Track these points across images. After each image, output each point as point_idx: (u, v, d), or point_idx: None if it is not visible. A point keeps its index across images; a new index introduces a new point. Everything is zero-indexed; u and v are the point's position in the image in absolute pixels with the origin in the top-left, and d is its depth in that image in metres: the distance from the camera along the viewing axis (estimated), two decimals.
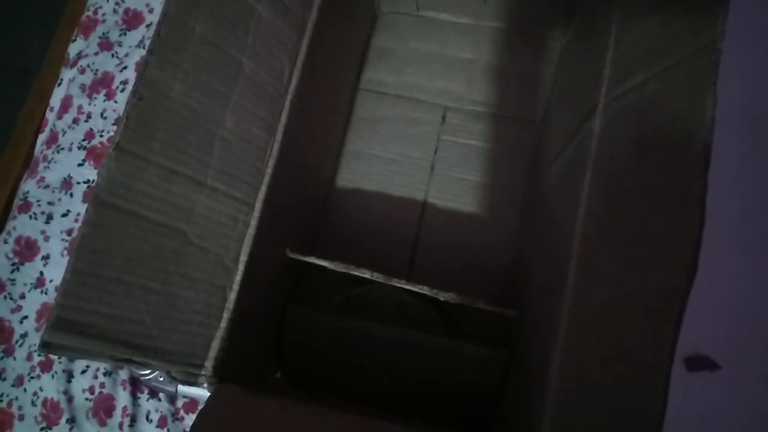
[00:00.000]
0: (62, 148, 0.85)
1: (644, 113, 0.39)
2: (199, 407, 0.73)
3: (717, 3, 0.33)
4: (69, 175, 0.84)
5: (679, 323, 0.30)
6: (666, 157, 0.35)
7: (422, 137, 0.77)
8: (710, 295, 0.61)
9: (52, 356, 0.76)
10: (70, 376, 0.76)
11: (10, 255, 0.81)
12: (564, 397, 0.41)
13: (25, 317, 0.79)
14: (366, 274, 0.56)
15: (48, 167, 0.84)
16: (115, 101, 0.86)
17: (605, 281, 0.39)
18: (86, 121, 0.86)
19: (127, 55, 0.88)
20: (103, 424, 0.73)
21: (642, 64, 0.41)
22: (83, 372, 0.76)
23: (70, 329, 0.37)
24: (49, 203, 0.83)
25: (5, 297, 0.80)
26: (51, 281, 0.80)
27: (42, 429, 0.74)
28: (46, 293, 0.80)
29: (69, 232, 0.82)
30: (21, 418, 0.75)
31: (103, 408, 0.74)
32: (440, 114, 0.78)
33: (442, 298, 0.55)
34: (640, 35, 0.43)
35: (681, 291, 0.30)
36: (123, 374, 0.75)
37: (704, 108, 0.31)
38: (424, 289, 0.55)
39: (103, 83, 0.87)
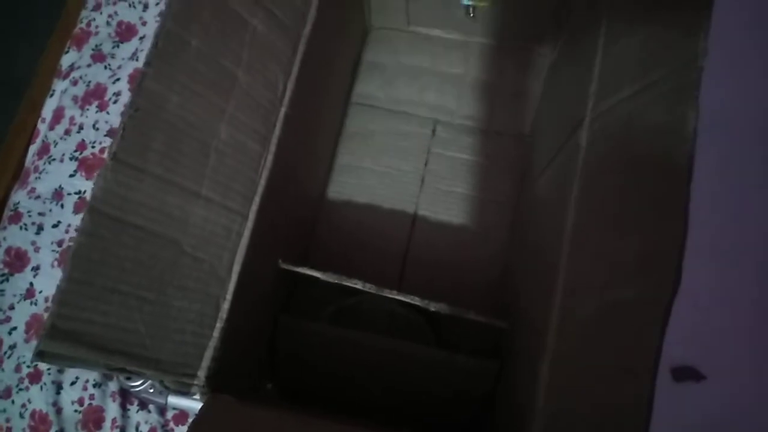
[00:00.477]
0: (54, 159, 0.85)
1: (629, 127, 0.40)
2: (189, 419, 0.73)
3: (700, 20, 0.34)
4: (60, 186, 0.84)
5: (664, 332, 0.30)
6: (650, 170, 0.36)
7: (412, 150, 0.78)
8: (698, 306, 0.62)
9: (41, 368, 0.76)
10: (59, 387, 0.75)
11: (0, 266, 0.81)
12: (553, 407, 0.41)
13: (14, 328, 0.79)
14: (358, 285, 0.56)
15: (39, 178, 0.84)
16: (108, 113, 0.86)
17: (592, 292, 0.40)
18: (78, 132, 0.86)
19: (119, 67, 0.89)
20: None
21: (627, 79, 0.42)
22: (72, 383, 0.75)
23: (66, 338, 0.38)
24: (40, 214, 0.83)
25: None
26: (41, 292, 0.80)
27: None
28: (35, 304, 0.79)
29: (59, 243, 0.81)
30: (9, 430, 0.75)
31: (93, 420, 0.73)
32: (430, 128, 0.79)
33: (433, 309, 0.56)
34: (626, 51, 0.44)
35: (665, 300, 0.30)
36: (112, 386, 0.74)
37: (687, 121, 0.32)
38: (416, 300, 0.55)
39: (95, 95, 0.88)
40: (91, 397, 0.74)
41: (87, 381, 0.75)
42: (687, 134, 0.32)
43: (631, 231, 0.37)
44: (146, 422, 0.73)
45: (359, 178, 0.78)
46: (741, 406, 0.63)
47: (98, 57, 0.90)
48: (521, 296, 0.59)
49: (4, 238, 0.82)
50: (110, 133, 0.85)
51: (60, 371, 0.75)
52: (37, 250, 0.81)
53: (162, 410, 0.73)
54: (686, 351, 0.63)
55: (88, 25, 0.92)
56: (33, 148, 0.88)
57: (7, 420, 0.75)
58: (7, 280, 0.81)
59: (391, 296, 0.56)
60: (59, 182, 0.84)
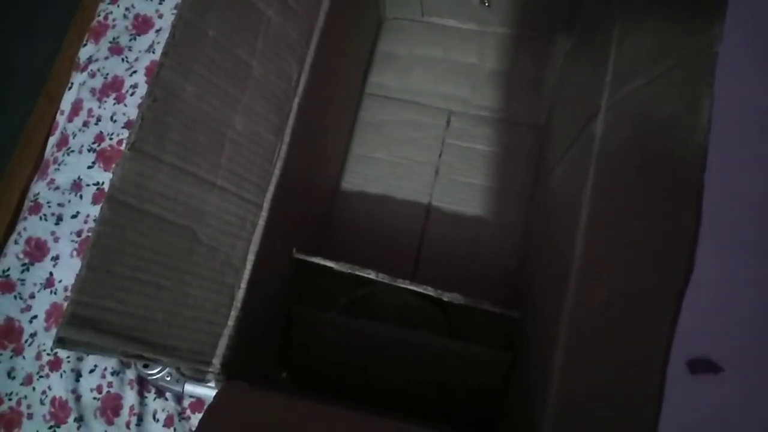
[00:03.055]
0: (72, 151, 0.86)
1: (644, 116, 0.40)
2: (206, 406, 0.74)
3: (715, 6, 0.34)
4: (79, 177, 0.85)
5: (675, 322, 0.30)
6: (664, 159, 0.36)
7: (427, 141, 0.78)
8: (714, 297, 0.62)
9: (60, 355, 0.77)
10: (78, 375, 0.76)
11: (21, 255, 0.83)
12: (565, 397, 0.42)
13: (35, 317, 0.80)
14: (371, 275, 0.57)
15: (58, 169, 0.86)
16: (125, 105, 0.87)
17: (605, 282, 0.40)
18: (96, 124, 0.87)
19: (137, 59, 0.90)
20: (110, 423, 0.74)
21: (642, 68, 0.41)
22: (91, 371, 0.76)
23: (85, 325, 0.38)
24: (59, 205, 0.84)
25: (15, 297, 0.81)
26: (60, 281, 0.81)
27: (50, 427, 0.75)
28: (55, 293, 0.81)
29: (78, 234, 0.83)
30: (30, 416, 0.76)
31: (111, 407, 0.75)
32: (445, 118, 0.79)
33: (446, 299, 0.56)
34: (641, 40, 0.44)
35: (677, 290, 0.30)
36: (130, 374, 0.76)
37: (701, 110, 0.31)
38: (429, 290, 0.56)
39: (113, 87, 0.89)
40: (110, 384, 0.75)
41: (105, 369, 0.76)
42: (701, 123, 0.32)
43: (645, 220, 0.37)
44: (163, 410, 0.74)
45: (373, 168, 0.78)
46: (760, 399, 0.63)
47: (115, 50, 0.91)
48: (535, 287, 0.59)
49: (25, 229, 0.84)
50: (128, 125, 0.87)
51: (79, 359, 0.77)
52: (56, 240, 0.83)
53: (179, 398, 0.74)
54: (703, 343, 0.62)
55: (106, 18, 0.93)
56: (52, 140, 0.89)
57: (29, 406, 0.76)
58: (28, 269, 0.82)
59: (404, 286, 0.56)
60: (78, 173, 0.85)
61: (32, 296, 0.81)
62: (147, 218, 0.41)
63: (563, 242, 0.49)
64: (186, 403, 0.75)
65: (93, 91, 0.89)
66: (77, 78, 0.91)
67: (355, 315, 0.67)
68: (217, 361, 0.47)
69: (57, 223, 0.83)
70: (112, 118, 0.87)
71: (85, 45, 0.93)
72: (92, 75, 0.90)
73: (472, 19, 0.80)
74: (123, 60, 0.90)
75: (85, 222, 0.83)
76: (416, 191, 0.76)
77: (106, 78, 0.89)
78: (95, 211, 0.83)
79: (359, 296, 0.68)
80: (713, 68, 0.31)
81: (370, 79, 0.82)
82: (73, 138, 0.87)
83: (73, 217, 0.84)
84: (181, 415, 0.74)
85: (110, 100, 0.88)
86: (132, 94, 0.88)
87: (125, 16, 0.92)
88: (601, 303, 0.40)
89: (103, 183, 0.85)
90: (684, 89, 0.35)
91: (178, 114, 0.42)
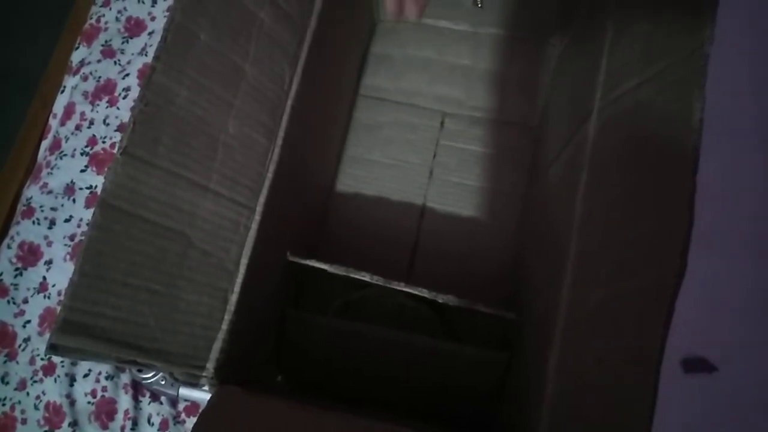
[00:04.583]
0: (65, 155, 0.86)
1: (637, 117, 0.40)
2: (200, 410, 0.73)
3: (706, 8, 0.34)
4: (72, 181, 0.85)
5: (669, 321, 0.30)
6: (657, 160, 0.36)
7: (421, 142, 0.78)
8: (708, 297, 0.62)
9: (54, 360, 0.77)
10: (72, 379, 0.76)
11: (14, 260, 0.82)
12: (561, 397, 0.42)
13: (28, 321, 0.80)
14: (365, 277, 0.56)
15: (51, 173, 0.85)
16: (118, 108, 0.87)
17: (600, 282, 0.40)
18: (89, 127, 0.87)
19: (129, 62, 0.89)
20: (105, 427, 0.74)
21: (635, 69, 0.42)
22: (85, 376, 0.76)
23: (77, 331, 0.38)
24: (52, 209, 0.84)
25: (8, 301, 0.81)
26: (54, 286, 0.81)
27: None
28: (48, 298, 0.80)
29: (72, 238, 0.82)
30: (24, 421, 0.76)
31: (105, 411, 0.74)
32: (439, 119, 0.79)
33: (441, 300, 0.56)
34: (634, 41, 0.44)
35: (670, 290, 0.30)
36: (125, 378, 0.75)
37: (693, 110, 0.32)
38: (423, 292, 0.56)
39: (105, 90, 0.88)
40: (104, 389, 0.75)
41: (100, 373, 0.76)
42: (694, 123, 0.32)
43: (638, 221, 0.37)
44: (158, 414, 0.74)
45: (368, 170, 0.78)
46: (753, 398, 0.63)
47: (108, 53, 0.91)
48: (530, 287, 0.59)
49: (18, 233, 0.83)
50: (120, 128, 0.86)
51: (73, 364, 0.76)
52: (49, 244, 0.82)
53: (173, 402, 0.74)
54: (697, 342, 0.63)
55: (98, 20, 0.93)
56: (45, 144, 0.89)
57: (23, 411, 0.76)
58: (21, 274, 0.82)
59: (399, 288, 0.56)
60: (71, 177, 0.85)
61: (25, 301, 0.81)
62: (139, 223, 0.41)
63: (558, 243, 0.49)
64: (181, 406, 0.74)
65: (85, 94, 0.89)
66: (69, 81, 0.91)
67: (350, 318, 0.67)
68: (210, 366, 0.47)
69: (50, 227, 0.83)
70: (104, 121, 0.87)
71: (78, 48, 0.93)
72: (84, 78, 0.90)
73: (466, 20, 0.80)
74: (115, 63, 0.90)
75: (79, 226, 0.83)
76: (410, 192, 0.76)
77: (98, 81, 0.89)
78: (88, 215, 0.83)
79: (354, 299, 0.68)
80: (705, 70, 0.32)
81: (364, 80, 0.82)
82: (66, 142, 0.87)
83: (66, 221, 0.83)
84: (176, 419, 0.74)
85: (103, 104, 0.88)
86: (125, 98, 0.88)
87: (117, 19, 0.92)
88: (596, 303, 0.40)
89: (96, 187, 0.84)
90: (676, 90, 0.35)
91: (170, 118, 0.42)
